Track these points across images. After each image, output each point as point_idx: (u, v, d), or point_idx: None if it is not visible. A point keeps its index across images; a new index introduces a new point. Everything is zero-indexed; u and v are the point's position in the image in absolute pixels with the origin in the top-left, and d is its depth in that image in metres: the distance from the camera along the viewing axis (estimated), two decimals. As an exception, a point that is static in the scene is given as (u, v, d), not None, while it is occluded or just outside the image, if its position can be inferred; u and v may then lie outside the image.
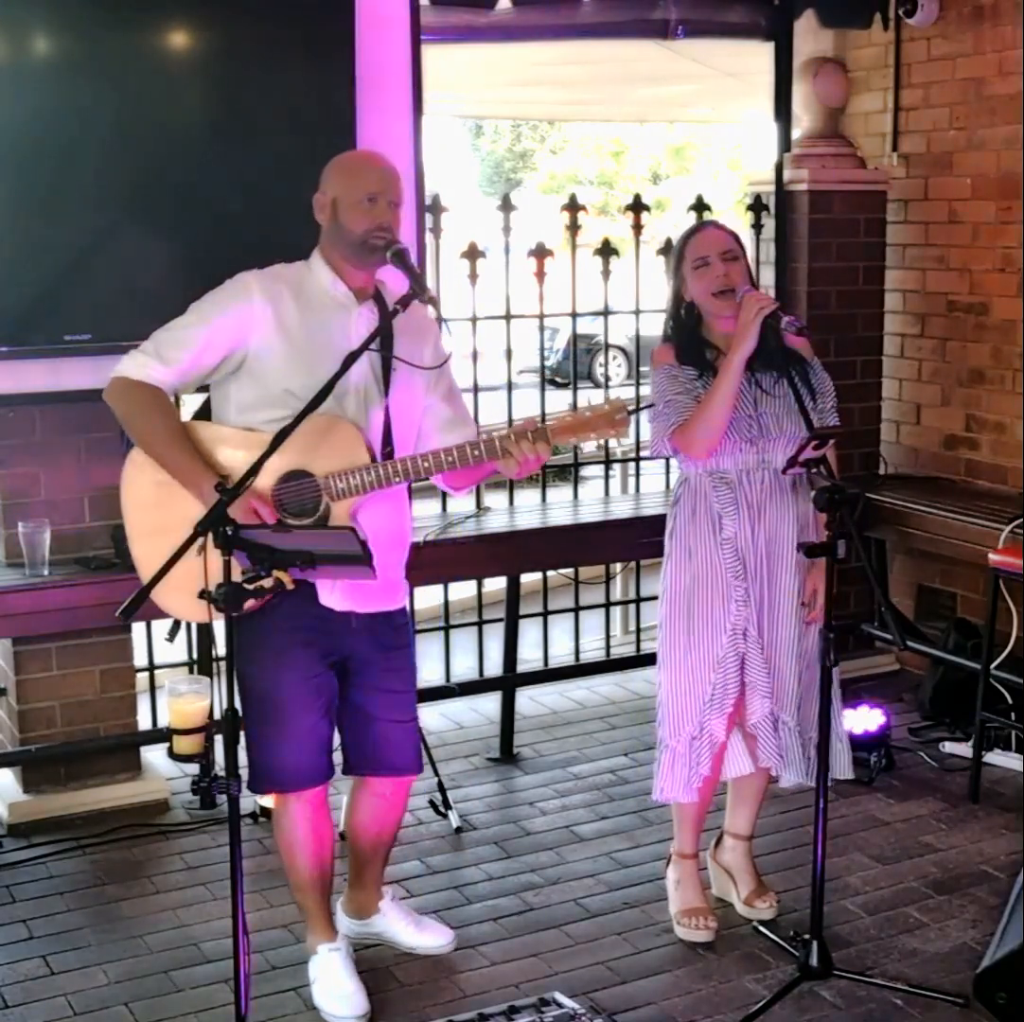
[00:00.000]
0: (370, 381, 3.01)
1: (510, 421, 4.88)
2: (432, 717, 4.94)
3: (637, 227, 5.14)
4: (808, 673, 3.46)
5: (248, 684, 3.07)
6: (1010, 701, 4.59)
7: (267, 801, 4.18)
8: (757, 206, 5.37)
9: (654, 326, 5.23)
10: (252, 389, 2.95)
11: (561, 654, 5.66)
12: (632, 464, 5.90)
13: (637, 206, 5.12)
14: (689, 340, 3.46)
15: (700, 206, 5.22)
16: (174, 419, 3.00)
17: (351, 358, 2.79)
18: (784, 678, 3.45)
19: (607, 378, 9.17)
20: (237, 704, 2.71)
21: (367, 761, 3.24)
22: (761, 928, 3.55)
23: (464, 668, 5.34)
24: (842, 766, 3.54)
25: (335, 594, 3.03)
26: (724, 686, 3.42)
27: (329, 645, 3.08)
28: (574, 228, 5.06)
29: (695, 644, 3.45)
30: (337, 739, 3.22)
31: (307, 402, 2.78)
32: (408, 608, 3.29)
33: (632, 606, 6.00)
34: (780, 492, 3.43)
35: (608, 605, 5.73)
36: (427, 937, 3.44)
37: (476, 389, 4.85)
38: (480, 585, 5.32)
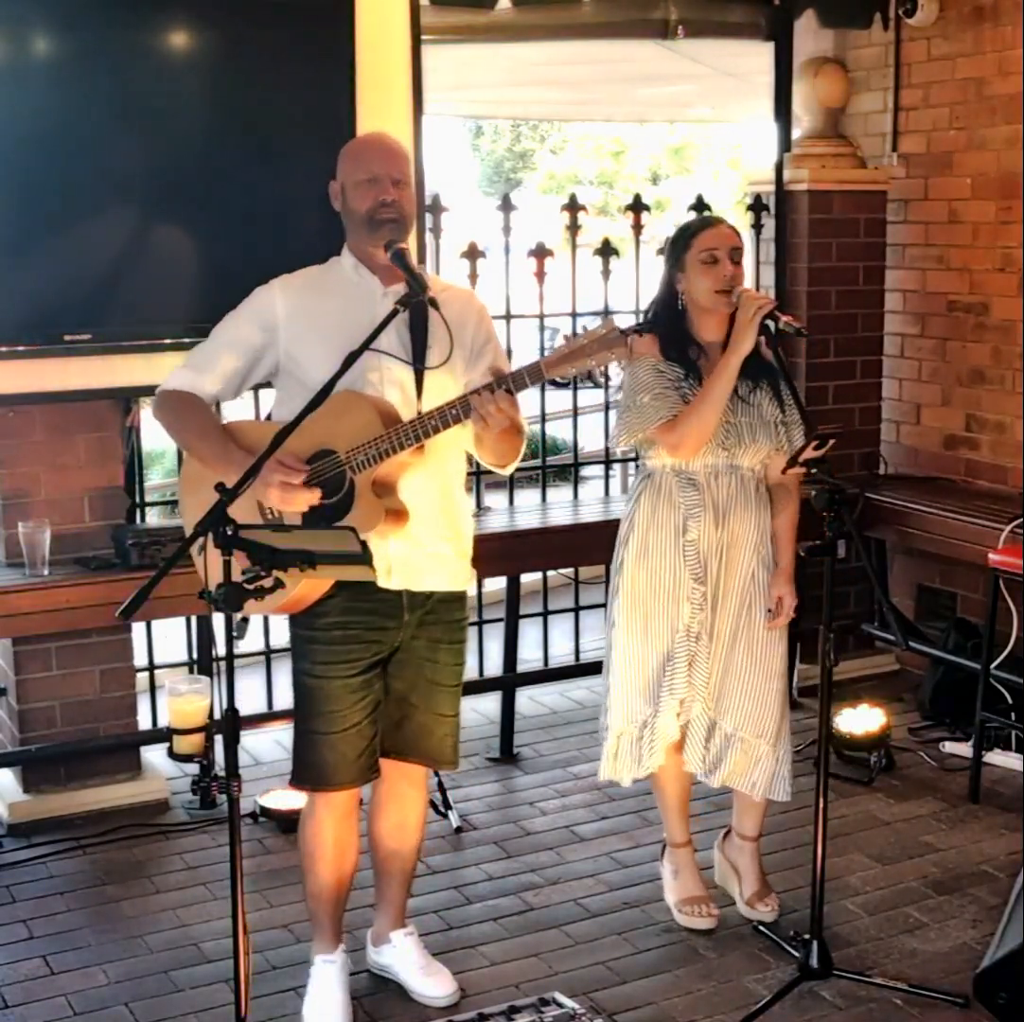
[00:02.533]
0: (402, 363, 2.97)
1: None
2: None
3: (637, 227, 5.13)
4: (755, 677, 3.46)
5: (296, 679, 3.10)
6: (1010, 701, 4.59)
7: (267, 802, 4.19)
8: (757, 206, 5.37)
9: (654, 326, 5.25)
10: (298, 387, 2.94)
11: (561, 654, 5.66)
12: (632, 464, 5.90)
13: (637, 206, 5.12)
14: (675, 334, 3.44)
15: (700, 206, 5.21)
16: (205, 415, 3.04)
17: (351, 358, 2.77)
18: (728, 682, 3.46)
19: (607, 377, 9.14)
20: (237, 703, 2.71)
21: (401, 746, 3.18)
22: (761, 928, 3.56)
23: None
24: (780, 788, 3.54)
25: (393, 576, 3.00)
26: (671, 683, 3.44)
27: (379, 642, 3.06)
28: (574, 228, 5.06)
29: (650, 641, 3.48)
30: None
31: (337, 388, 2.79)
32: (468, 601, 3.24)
33: (632, 606, 5.99)
34: (744, 497, 3.45)
35: (608, 605, 5.71)
36: (431, 984, 3.29)
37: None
38: (480, 585, 5.29)
